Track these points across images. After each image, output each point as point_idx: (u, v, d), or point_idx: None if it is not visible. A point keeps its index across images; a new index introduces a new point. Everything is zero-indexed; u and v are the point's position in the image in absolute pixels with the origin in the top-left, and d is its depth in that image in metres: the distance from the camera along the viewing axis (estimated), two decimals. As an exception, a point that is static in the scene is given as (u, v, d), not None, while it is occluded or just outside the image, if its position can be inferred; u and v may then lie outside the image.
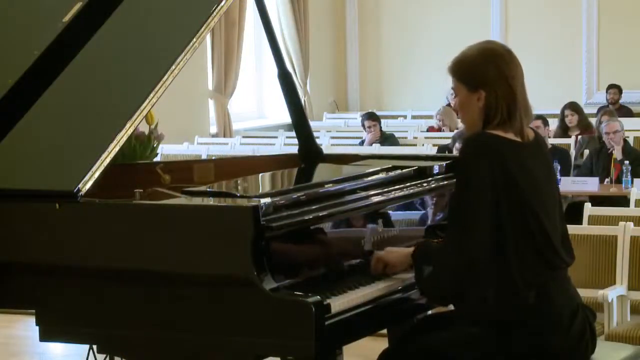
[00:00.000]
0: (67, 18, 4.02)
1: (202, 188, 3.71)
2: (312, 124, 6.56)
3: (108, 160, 3.49)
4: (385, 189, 3.82)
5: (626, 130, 9.12)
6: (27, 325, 6.49)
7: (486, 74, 3.36)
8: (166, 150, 9.96)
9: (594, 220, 6.14)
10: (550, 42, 14.27)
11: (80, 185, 3.42)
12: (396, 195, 3.83)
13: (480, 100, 3.36)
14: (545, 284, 3.33)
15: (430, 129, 12.00)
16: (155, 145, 4.98)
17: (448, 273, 3.30)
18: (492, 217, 3.25)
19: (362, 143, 11.02)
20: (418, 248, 3.49)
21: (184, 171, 4.42)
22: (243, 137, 12.37)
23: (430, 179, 4.06)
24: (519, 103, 3.36)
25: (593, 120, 10.44)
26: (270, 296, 3.16)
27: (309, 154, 4.50)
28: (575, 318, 3.37)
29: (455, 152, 8.32)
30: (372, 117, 11.10)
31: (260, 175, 4.20)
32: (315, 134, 4.68)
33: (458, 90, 3.43)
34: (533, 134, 3.45)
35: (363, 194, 3.73)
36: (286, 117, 4.86)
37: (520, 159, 3.32)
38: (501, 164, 3.26)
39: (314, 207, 3.47)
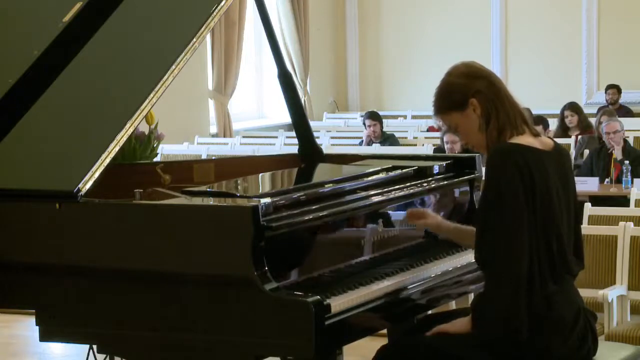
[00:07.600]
0: (67, 18, 4.02)
1: (202, 188, 3.71)
2: (312, 124, 6.57)
3: (108, 160, 3.49)
4: (385, 189, 3.82)
5: (626, 130, 9.11)
6: (27, 325, 6.49)
7: (465, 84, 3.42)
8: (166, 150, 9.95)
9: (594, 220, 6.13)
10: (550, 42, 14.25)
11: (80, 185, 3.42)
12: (396, 195, 3.83)
13: (477, 108, 3.39)
14: (552, 288, 3.32)
15: (431, 129, 11.99)
16: (155, 145, 4.99)
17: (507, 284, 3.24)
18: (526, 217, 3.24)
19: (361, 143, 11.03)
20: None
21: (184, 171, 4.42)
22: (243, 137, 12.37)
23: (430, 179, 4.06)
24: (502, 94, 3.38)
25: (593, 120, 10.43)
26: (270, 296, 3.15)
27: (309, 154, 4.50)
28: (577, 321, 3.36)
29: (446, 146, 8.62)
30: (372, 117, 11.13)
31: (260, 175, 4.20)
32: (315, 134, 4.68)
33: (452, 120, 3.46)
34: (552, 143, 3.45)
35: (363, 194, 3.73)
36: (286, 117, 4.86)
37: (541, 165, 3.32)
38: (526, 167, 3.26)
39: (314, 207, 3.47)
